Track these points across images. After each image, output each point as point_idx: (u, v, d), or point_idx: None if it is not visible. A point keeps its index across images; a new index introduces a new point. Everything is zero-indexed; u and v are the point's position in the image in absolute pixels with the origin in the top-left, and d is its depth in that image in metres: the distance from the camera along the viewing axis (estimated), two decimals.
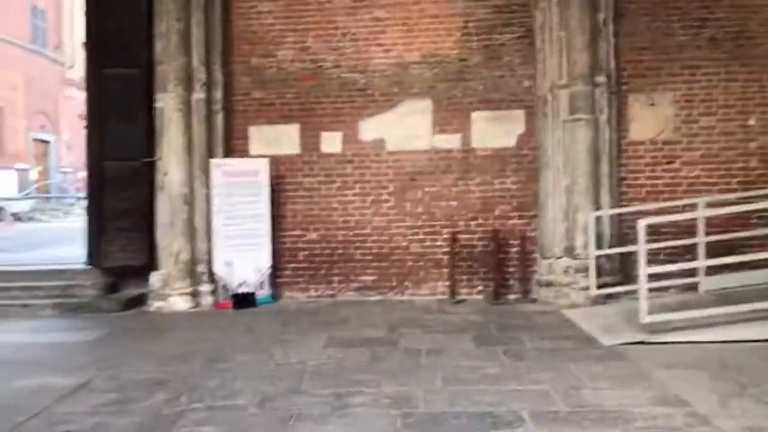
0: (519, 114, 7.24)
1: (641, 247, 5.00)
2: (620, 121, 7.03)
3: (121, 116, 7.02)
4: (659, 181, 7.06)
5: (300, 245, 7.39)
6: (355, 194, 7.34)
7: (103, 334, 5.81)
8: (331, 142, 7.36)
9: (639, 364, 4.43)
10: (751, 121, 7.01)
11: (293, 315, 6.51)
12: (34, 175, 23.24)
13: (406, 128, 7.30)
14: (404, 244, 7.30)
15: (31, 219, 19.73)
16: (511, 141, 7.24)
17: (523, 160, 7.23)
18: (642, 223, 5.01)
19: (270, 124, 7.40)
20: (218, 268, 6.99)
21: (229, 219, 7.02)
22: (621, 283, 6.75)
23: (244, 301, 6.95)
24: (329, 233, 7.35)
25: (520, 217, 7.23)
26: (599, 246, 6.51)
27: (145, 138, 7.09)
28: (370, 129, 7.34)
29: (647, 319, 4.94)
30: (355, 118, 7.34)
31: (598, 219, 6.55)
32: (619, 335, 5.09)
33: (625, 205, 6.96)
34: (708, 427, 3.30)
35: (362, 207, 7.33)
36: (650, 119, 7.10)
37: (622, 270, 6.89)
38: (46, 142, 24.68)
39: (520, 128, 7.23)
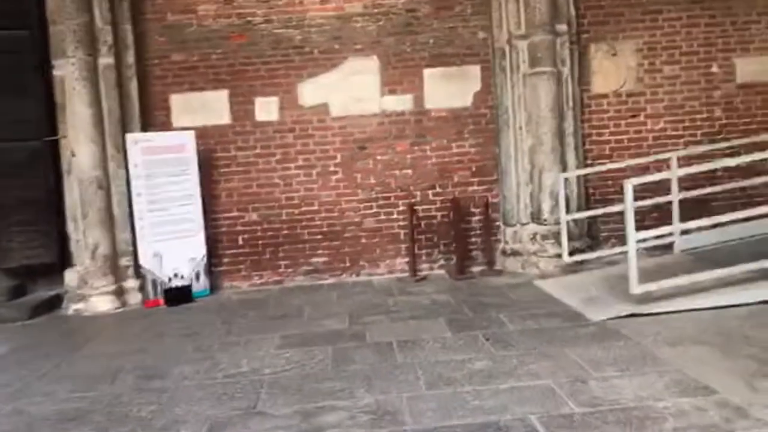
0: (474, 70, 6.58)
1: (629, 210, 4.50)
2: (582, 73, 6.51)
3: (12, 88, 5.84)
4: (624, 137, 6.63)
5: (239, 228, 6.53)
6: (298, 167, 6.52)
7: (4, 352, 4.82)
8: (266, 108, 6.47)
9: (640, 343, 3.95)
10: (714, 69, 6.66)
11: (237, 308, 5.70)
12: None
13: (351, 90, 6.50)
14: (357, 219, 6.58)
15: None
16: (467, 100, 6.60)
17: (481, 120, 6.61)
18: (629, 184, 4.50)
19: (194, 91, 6.42)
20: (145, 261, 6.04)
21: (153, 203, 6.05)
22: (590, 248, 6.34)
23: (178, 296, 6.06)
24: (272, 213, 6.52)
25: (481, 183, 6.64)
26: (567, 210, 6.03)
27: (44, 113, 5.97)
28: (311, 92, 6.49)
29: (638, 289, 4.48)
30: (293, 81, 6.47)
31: (565, 181, 6.05)
32: (607, 308, 4.62)
33: (590, 164, 6.50)
34: (749, 421, 2.83)
35: (307, 181, 6.53)
36: (613, 70, 6.63)
37: (589, 233, 6.47)
38: None
39: (476, 85, 6.59)
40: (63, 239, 6.17)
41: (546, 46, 6.17)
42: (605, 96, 6.61)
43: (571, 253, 5.97)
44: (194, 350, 4.52)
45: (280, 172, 6.50)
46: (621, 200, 6.02)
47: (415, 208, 6.42)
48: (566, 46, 6.29)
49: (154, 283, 6.07)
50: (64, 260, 6.18)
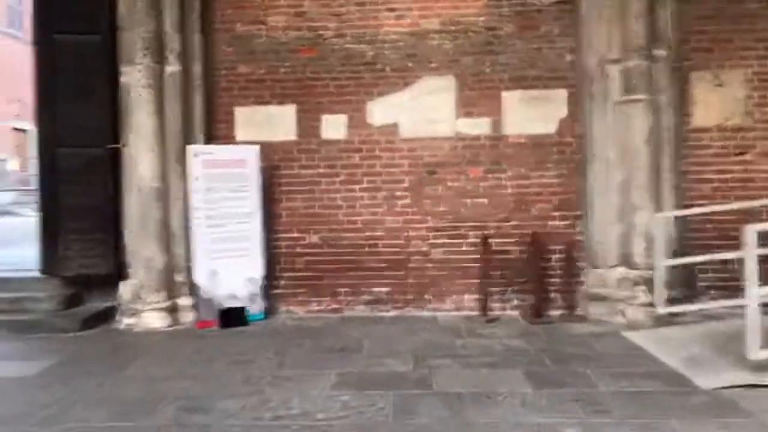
0: (560, 94, 6.04)
1: (750, 259, 3.83)
2: (682, 103, 5.86)
3: (78, 93, 5.72)
4: (729, 176, 5.90)
5: (298, 250, 6.15)
6: (363, 189, 6.12)
7: (49, 366, 4.55)
8: (334, 126, 6.13)
9: (766, 422, 3.27)
10: None
11: (293, 337, 5.28)
12: (13, 166, 21.90)
13: (423, 111, 6.08)
14: (424, 249, 6.09)
15: (8, 213, 18.29)
16: (550, 127, 6.05)
17: (566, 149, 6.04)
18: (751, 229, 3.84)
19: (260, 105, 6.15)
20: (200, 278, 5.74)
21: (212, 219, 5.76)
22: (687, 299, 5.61)
23: (232, 318, 5.71)
24: (333, 236, 6.12)
25: (563, 218, 6.04)
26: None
27: (108, 120, 5.81)
28: (380, 111, 6.11)
29: (758, 354, 3.77)
30: (363, 99, 6.11)
31: (656, 222, 5.37)
32: (719, 374, 3.93)
33: (689, 205, 5.79)
34: None
35: (372, 205, 6.11)
36: (717, 102, 5.94)
37: (685, 282, 5.74)
38: (23, 131, 23.18)
39: (561, 112, 6.04)
40: (120, 250, 5.95)
41: (641, 72, 5.57)
42: (707, 130, 5.92)
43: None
44: (243, 381, 4.11)
45: (344, 193, 6.11)
46: (723, 247, 5.40)
47: (489, 240, 5.88)
48: (665, 72, 5.68)
49: (209, 302, 5.75)
50: (121, 272, 5.95)
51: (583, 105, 5.92)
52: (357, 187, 6.11)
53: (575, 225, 6.03)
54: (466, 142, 6.07)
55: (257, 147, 5.91)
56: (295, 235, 6.14)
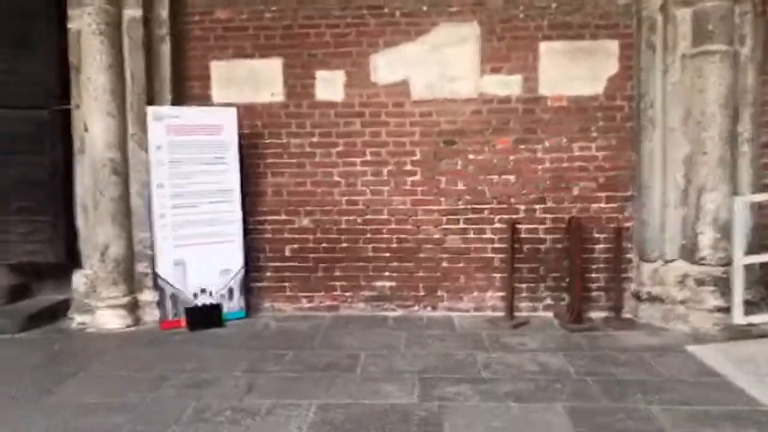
0: (610, 46, 4.85)
1: None
2: (765, 57, 4.64)
3: (16, 42, 4.68)
4: None
5: (286, 235, 5.11)
6: (365, 163, 5.03)
7: None
8: (329, 85, 5.02)
9: None
10: None
11: (273, 345, 4.27)
12: None
13: (440, 66, 4.94)
14: (437, 236, 5.01)
15: None
16: (597, 87, 4.88)
17: (616, 115, 4.87)
18: None
19: (241, 58, 5.05)
20: (165, 270, 4.74)
21: (179, 197, 4.73)
22: (765, 302, 4.50)
23: (204, 318, 4.73)
24: (328, 219, 5.06)
25: (610, 200, 4.91)
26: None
27: (54, 75, 4.77)
28: (387, 67, 4.98)
29: None
30: (366, 51, 4.98)
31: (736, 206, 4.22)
32: None
33: None
34: None
35: (376, 182, 5.03)
36: None
37: (763, 283, 4.60)
38: None
39: (611, 67, 4.86)
40: (74, 233, 4.97)
41: (720, 16, 4.37)
42: None
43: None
44: (194, 415, 3.11)
45: (342, 168, 5.03)
46: None
47: (518, 226, 4.77)
48: (748, 17, 4.46)
49: (175, 298, 4.76)
50: (75, 259, 4.98)
51: (640, 59, 4.73)
52: (358, 160, 5.02)
53: (625, 208, 4.90)
54: (492, 105, 4.93)
55: (235, 110, 4.84)
56: (283, 217, 5.09)
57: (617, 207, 4.90)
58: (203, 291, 4.80)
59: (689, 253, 4.52)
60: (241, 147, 4.91)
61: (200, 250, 4.77)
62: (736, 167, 4.47)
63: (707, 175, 4.41)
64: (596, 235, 4.91)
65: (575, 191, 4.91)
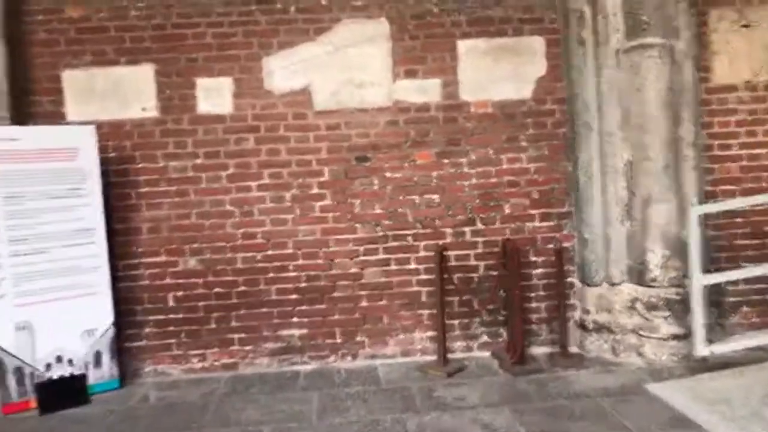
0: (536, 43, 4.30)
1: None
2: (699, 53, 4.23)
3: None
4: (763, 151, 4.34)
5: (169, 281, 4.16)
6: (263, 187, 4.19)
7: None
8: (214, 95, 4.16)
9: None
10: None
11: (150, 427, 3.33)
12: None
13: (346, 70, 4.20)
14: (354, 270, 4.23)
15: None
16: (525, 89, 4.30)
17: (547, 121, 4.31)
18: None
19: (101, 66, 4.09)
20: (3, 338, 3.67)
21: (20, 242, 3.69)
22: (718, 324, 4.06)
23: (61, 395, 3.70)
24: (221, 257, 4.17)
25: (545, 218, 4.32)
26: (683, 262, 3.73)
27: None
28: (283, 72, 4.19)
29: None
30: (257, 53, 4.17)
31: (692, 218, 3.73)
32: None
33: (712, 193, 4.22)
34: None
35: (278, 209, 4.19)
36: (744, 50, 4.36)
37: (712, 300, 4.15)
38: None
39: (539, 67, 4.30)
40: None
41: (656, 5, 3.91)
42: (732, 89, 4.33)
43: (687, 336, 3.67)
44: None
45: (235, 194, 4.17)
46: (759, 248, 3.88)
47: (446, 253, 4.08)
48: (682, 6, 4.03)
49: (20, 373, 3.70)
50: None
51: (570, 57, 4.20)
52: (254, 184, 4.18)
53: (563, 226, 4.33)
54: (409, 114, 4.24)
55: (93, 128, 3.87)
56: (164, 259, 4.15)
57: (554, 225, 4.32)
58: (59, 360, 3.77)
59: (638, 274, 3.99)
60: (105, 174, 3.95)
61: (53, 307, 3.74)
62: (680, 174, 4.00)
63: (653, 184, 3.91)
64: (533, 259, 4.31)
65: (507, 209, 4.30)
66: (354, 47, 4.20)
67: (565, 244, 4.29)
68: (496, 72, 4.27)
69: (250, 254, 4.17)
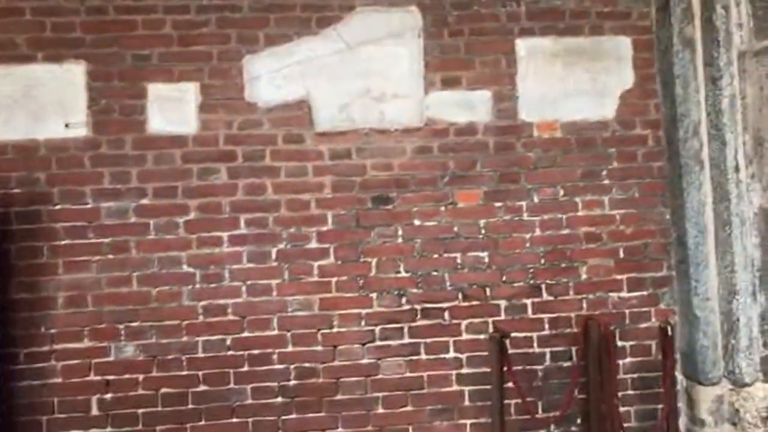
0: (621, 45, 3.14)
1: None
2: None
3: None
4: None
5: (94, 377, 2.80)
6: (237, 239, 2.89)
7: None
8: (173, 108, 2.90)
9: None
10: None
11: None
12: None
13: (361, 76, 2.99)
14: (366, 361, 2.91)
15: None
16: (606, 107, 3.11)
17: (637, 151, 3.11)
18: None
19: (6, 63, 2.84)
20: None
21: None
22: None
23: None
24: (173, 342, 2.82)
25: (635, 285, 3.06)
26: None
27: None
28: (273, 77, 2.95)
29: None
30: (235, 51, 2.94)
31: None
32: None
33: None
34: None
35: (258, 272, 2.88)
36: None
37: None
38: None
39: (625, 77, 3.13)
40: None
41: None
42: None
43: None
44: None
45: (197, 249, 2.87)
46: None
47: (506, 337, 2.79)
48: None
49: None
50: None
51: (669, 64, 3.04)
52: (225, 235, 2.89)
53: (659, 298, 3.09)
54: (448, 138, 3.02)
55: None
56: (87, 344, 2.79)
57: (648, 296, 3.08)
58: None
59: None
60: (4, 221, 2.66)
61: None
62: None
63: None
64: (619, 344, 3.04)
65: (583, 273, 3.05)
66: (372, 45, 2.99)
67: (666, 325, 3.03)
68: (568, 83, 3.09)
69: (216, 338, 2.85)
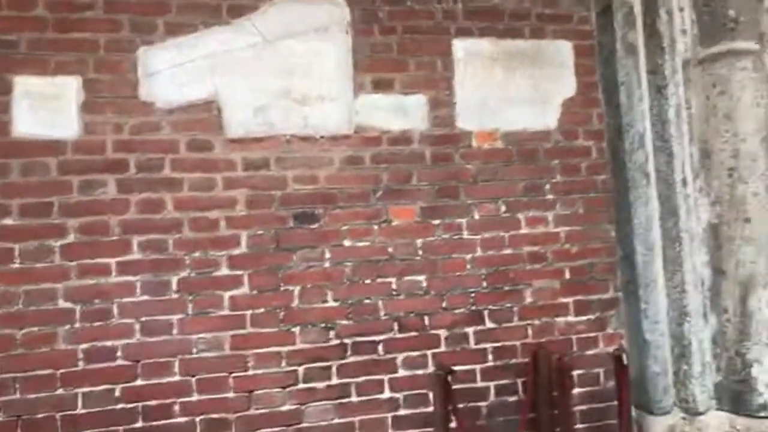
0: (563, 49, 2.93)
1: None
2: None
3: None
4: None
5: None
6: (128, 267, 2.38)
7: None
8: (47, 106, 2.37)
9: None
10: None
11: None
12: None
13: (281, 74, 2.59)
14: (288, 407, 2.47)
15: None
16: (548, 116, 2.88)
17: (581, 163, 2.90)
18: None
19: None
20: None
21: None
22: None
23: None
24: (43, 398, 2.27)
25: (581, 309, 2.83)
26: None
27: None
28: (174, 73, 2.49)
29: None
30: (127, 41, 2.46)
31: None
32: None
33: None
34: None
35: (155, 306, 2.38)
36: None
37: None
38: None
39: (567, 85, 2.92)
40: None
41: None
42: None
43: None
44: None
45: (78, 279, 2.33)
46: None
47: (449, 372, 2.45)
48: None
49: None
50: None
51: (612, 71, 2.87)
52: (112, 261, 2.37)
53: (606, 322, 2.87)
54: (380, 147, 2.67)
55: None
56: None
57: (595, 320, 2.86)
58: None
59: (734, 396, 2.58)
60: None
61: None
62: None
63: (755, 256, 2.57)
64: (568, 374, 2.78)
65: (528, 296, 2.78)
66: (294, 39, 2.61)
67: (610, 348, 2.81)
68: (508, 89, 2.83)
69: (101, 388, 2.31)
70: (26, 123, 2.34)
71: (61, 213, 2.34)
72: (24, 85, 2.35)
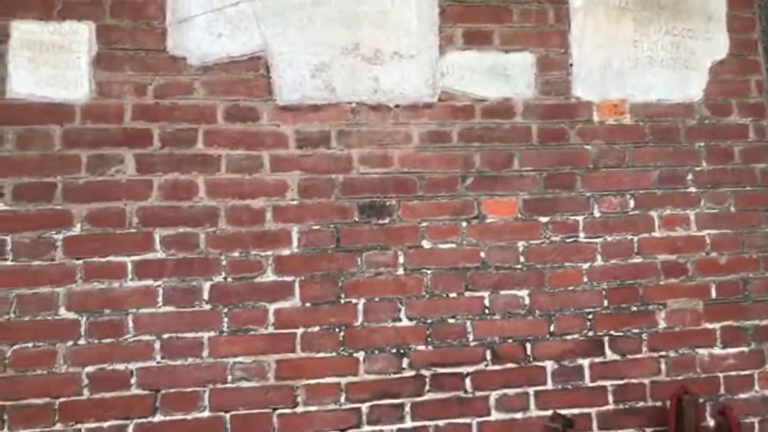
0: (712, 5, 2.25)
1: None
2: None
3: None
4: None
5: None
6: (149, 267, 1.86)
7: None
8: (50, 59, 1.86)
9: None
10: None
11: None
12: None
13: (346, 24, 2.01)
14: None
15: None
16: (691, 84, 2.21)
17: (733, 147, 2.21)
18: None
19: None
20: None
21: None
22: None
23: None
24: None
25: (731, 337, 2.15)
26: None
27: None
28: (212, 18, 1.96)
29: None
30: None
31: None
32: None
33: None
34: None
35: (182, 319, 1.86)
36: None
37: None
38: None
39: (717, 43, 2.24)
40: None
41: None
42: None
43: None
44: None
45: (85, 283, 1.83)
46: None
47: (568, 427, 1.84)
48: None
49: None
50: None
51: None
52: (129, 260, 1.85)
53: (766, 355, 2.18)
54: (471, 121, 2.06)
55: None
56: None
57: (749, 353, 2.16)
58: None
59: None
60: None
61: None
62: None
63: None
64: (710, 423, 2.11)
65: (660, 320, 2.12)
66: None
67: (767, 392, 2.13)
68: (640, 48, 2.17)
69: (111, 424, 1.80)
70: (24, 81, 1.84)
71: (65, 197, 1.83)
72: (22, 32, 1.84)
